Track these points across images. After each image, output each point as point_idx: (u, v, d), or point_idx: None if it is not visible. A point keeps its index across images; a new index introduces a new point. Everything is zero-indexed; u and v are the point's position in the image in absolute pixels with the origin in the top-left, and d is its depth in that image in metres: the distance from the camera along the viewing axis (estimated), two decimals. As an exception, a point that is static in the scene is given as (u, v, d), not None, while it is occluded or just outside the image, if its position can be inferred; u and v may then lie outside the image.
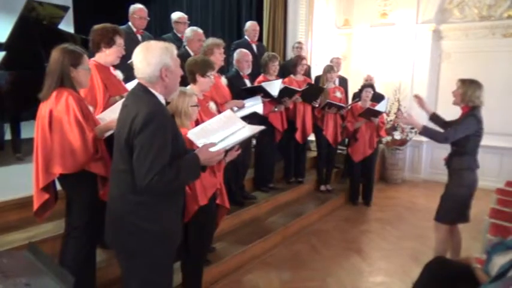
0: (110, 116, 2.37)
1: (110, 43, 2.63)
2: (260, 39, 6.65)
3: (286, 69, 4.96)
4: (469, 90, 2.98)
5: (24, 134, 4.19)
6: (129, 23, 4.27)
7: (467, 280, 2.27)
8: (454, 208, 3.07)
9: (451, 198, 3.08)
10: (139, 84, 1.78)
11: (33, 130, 2.34)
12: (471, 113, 2.99)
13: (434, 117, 3.36)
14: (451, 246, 3.22)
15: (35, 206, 2.31)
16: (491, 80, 5.94)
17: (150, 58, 1.72)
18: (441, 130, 3.20)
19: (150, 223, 1.74)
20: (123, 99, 1.97)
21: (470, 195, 3.08)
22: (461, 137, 2.96)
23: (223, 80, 3.76)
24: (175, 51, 1.81)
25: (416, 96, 3.42)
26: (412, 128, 6.22)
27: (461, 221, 3.13)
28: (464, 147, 3.01)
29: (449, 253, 3.21)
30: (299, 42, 5.65)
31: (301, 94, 4.58)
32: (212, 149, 1.87)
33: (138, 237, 1.75)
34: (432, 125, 3.31)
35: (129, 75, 3.00)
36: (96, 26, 2.66)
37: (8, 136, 4.36)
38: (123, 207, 1.76)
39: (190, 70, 2.80)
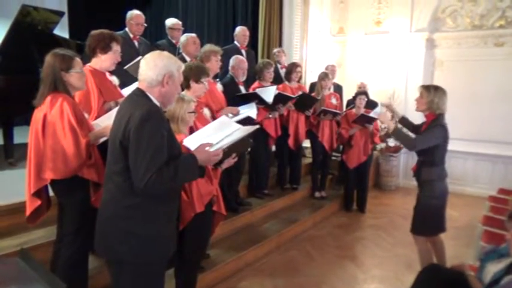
0: (105, 122, 2.36)
1: (106, 49, 2.63)
2: (255, 45, 6.70)
3: (278, 76, 4.97)
4: (435, 98, 2.94)
5: (17, 139, 4.15)
6: (126, 29, 4.27)
7: (461, 287, 2.28)
8: (428, 220, 3.02)
9: (424, 210, 3.03)
10: (137, 89, 1.79)
11: (26, 135, 2.32)
12: (438, 122, 2.94)
13: (403, 121, 3.34)
14: (435, 257, 3.18)
15: (27, 211, 2.29)
16: (483, 88, 6.05)
17: (158, 61, 1.76)
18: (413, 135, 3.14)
19: (141, 228, 1.71)
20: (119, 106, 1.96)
21: (443, 205, 3.04)
22: (428, 146, 2.91)
23: (219, 86, 3.78)
24: (183, 67, 1.86)
25: (387, 105, 3.45)
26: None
27: (438, 231, 3.09)
28: (433, 158, 2.96)
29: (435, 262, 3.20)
30: (279, 47, 5.70)
31: (295, 102, 4.60)
32: (209, 148, 1.86)
33: (127, 243, 1.70)
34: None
35: (125, 80, 3.01)
36: (93, 32, 2.66)
37: (0, 141, 4.32)
38: (114, 211, 1.73)
39: (185, 76, 2.79)
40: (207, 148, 1.85)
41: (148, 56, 1.80)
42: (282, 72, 5.14)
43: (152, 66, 1.75)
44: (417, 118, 3.41)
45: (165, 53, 1.83)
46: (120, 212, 1.71)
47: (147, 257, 1.75)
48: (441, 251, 3.16)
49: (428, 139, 2.91)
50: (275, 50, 5.68)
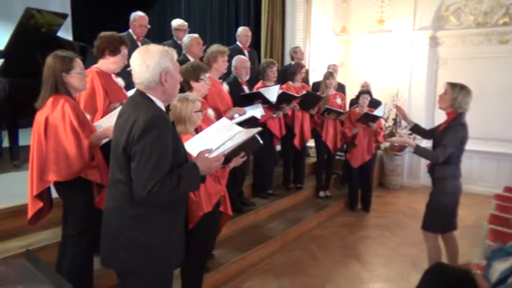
0: (107, 123, 2.36)
1: (115, 52, 2.65)
2: (258, 45, 6.69)
3: (284, 75, 4.97)
4: (459, 96, 2.91)
5: (22, 142, 4.17)
6: (130, 30, 4.28)
7: (467, 286, 2.26)
8: (440, 217, 3.02)
9: (436, 207, 3.03)
10: (137, 91, 1.72)
11: (30, 138, 2.34)
12: (458, 121, 2.92)
13: (416, 129, 3.35)
14: (445, 254, 3.17)
15: (29, 213, 2.30)
16: (487, 86, 6.00)
17: (149, 61, 1.64)
18: (428, 141, 3.14)
19: (149, 238, 1.66)
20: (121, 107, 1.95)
21: (455, 203, 3.03)
22: (451, 152, 2.88)
23: (225, 87, 3.78)
24: (175, 55, 1.75)
25: (397, 107, 3.40)
26: (411, 134, 6.25)
27: (449, 229, 3.08)
28: (449, 156, 2.93)
29: (445, 260, 3.19)
30: (298, 47, 5.69)
31: (299, 101, 4.59)
32: (209, 155, 1.81)
33: (135, 255, 1.66)
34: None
35: (131, 82, 3.03)
36: (103, 33, 2.68)
37: (5, 143, 4.34)
38: (119, 221, 1.67)
39: (184, 78, 2.80)
40: (206, 155, 1.80)
41: (136, 56, 1.68)
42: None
43: (145, 69, 1.64)
44: (422, 117, 3.40)
45: (152, 47, 1.70)
46: (125, 221, 1.66)
47: (154, 267, 1.70)
48: (454, 248, 3.14)
49: (449, 146, 2.87)
50: (295, 48, 5.61)
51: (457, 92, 2.92)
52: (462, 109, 2.93)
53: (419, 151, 3.03)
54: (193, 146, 2.06)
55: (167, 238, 1.72)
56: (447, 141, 2.88)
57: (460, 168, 3.03)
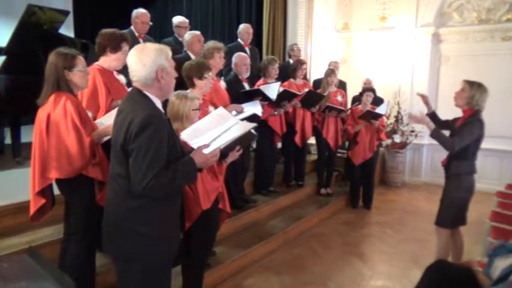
0: (108, 120, 2.36)
1: (117, 49, 2.66)
2: (259, 42, 6.68)
3: (284, 72, 4.96)
4: (477, 94, 2.93)
5: (24, 139, 4.18)
6: (131, 27, 4.28)
7: (469, 284, 2.26)
8: (454, 212, 3.05)
9: (451, 202, 3.06)
10: (134, 88, 1.78)
11: (32, 134, 2.34)
12: (476, 117, 2.94)
13: (433, 116, 3.34)
14: (452, 250, 3.21)
15: (31, 210, 2.31)
16: (490, 83, 5.84)
17: (145, 59, 1.71)
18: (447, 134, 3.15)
19: (146, 228, 1.73)
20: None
21: (468, 199, 3.06)
22: (466, 144, 2.91)
23: (223, 84, 3.77)
24: (170, 53, 1.81)
25: (420, 94, 3.42)
26: (412, 131, 6.24)
27: (460, 224, 3.12)
28: (464, 152, 2.96)
29: (451, 257, 3.20)
30: (295, 44, 5.68)
31: (301, 100, 4.58)
32: (206, 150, 1.86)
33: (133, 242, 1.73)
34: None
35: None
36: (104, 30, 2.68)
37: (8, 140, 4.36)
38: (119, 212, 1.75)
39: (187, 75, 2.81)
40: (204, 150, 1.85)
41: (132, 54, 1.74)
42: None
43: (141, 67, 1.71)
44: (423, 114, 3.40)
45: (148, 46, 1.76)
46: (124, 212, 1.74)
47: (152, 255, 1.78)
48: (460, 244, 3.17)
49: (466, 138, 2.90)
50: (292, 45, 5.62)
51: (475, 90, 2.95)
52: (479, 106, 2.96)
53: (436, 134, 3.01)
54: (189, 134, 2.08)
55: (164, 229, 1.80)
56: (464, 134, 2.91)
57: (475, 165, 3.05)
